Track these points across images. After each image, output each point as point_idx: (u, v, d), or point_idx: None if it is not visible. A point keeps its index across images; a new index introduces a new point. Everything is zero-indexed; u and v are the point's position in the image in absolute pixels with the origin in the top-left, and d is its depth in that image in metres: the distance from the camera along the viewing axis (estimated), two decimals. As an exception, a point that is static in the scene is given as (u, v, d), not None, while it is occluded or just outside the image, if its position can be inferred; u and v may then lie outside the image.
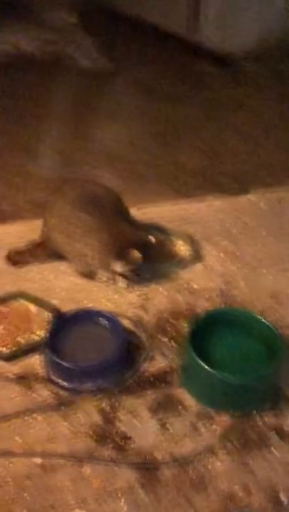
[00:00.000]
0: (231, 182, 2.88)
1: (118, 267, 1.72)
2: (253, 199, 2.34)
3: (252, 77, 4.15)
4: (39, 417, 1.40)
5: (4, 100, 3.63)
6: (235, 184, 2.73)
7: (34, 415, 1.41)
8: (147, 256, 1.72)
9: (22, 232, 1.99)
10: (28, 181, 2.83)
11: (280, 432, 1.41)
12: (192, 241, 2.01)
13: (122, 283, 1.77)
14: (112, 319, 1.59)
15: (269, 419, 1.44)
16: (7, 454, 1.31)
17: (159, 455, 1.34)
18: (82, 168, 3.00)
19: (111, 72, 4.13)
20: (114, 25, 4.88)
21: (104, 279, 1.80)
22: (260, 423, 1.43)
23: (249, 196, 2.36)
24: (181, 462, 1.33)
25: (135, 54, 4.45)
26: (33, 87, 3.84)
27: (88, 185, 1.88)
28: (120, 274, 1.76)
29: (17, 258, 1.85)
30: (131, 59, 4.41)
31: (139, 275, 1.77)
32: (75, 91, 3.81)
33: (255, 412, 1.45)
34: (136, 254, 1.67)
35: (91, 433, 1.38)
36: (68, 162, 3.06)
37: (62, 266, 1.85)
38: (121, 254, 1.68)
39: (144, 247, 1.72)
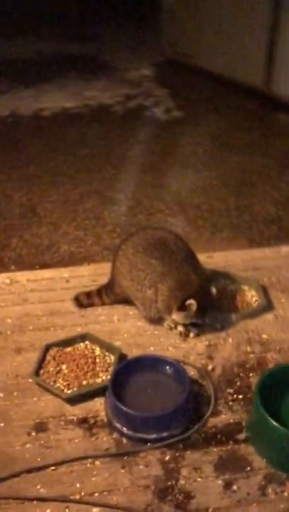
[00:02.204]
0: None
1: (178, 317, 1.70)
2: None
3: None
4: (100, 464, 1.37)
5: (85, 150, 3.84)
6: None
7: (95, 462, 1.38)
8: (208, 306, 1.69)
9: (93, 275, 2.03)
10: (103, 227, 2.92)
11: None
12: (263, 290, 1.94)
13: (180, 328, 1.74)
14: (177, 367, 1.55)
15: None
16: (66, 499, 1.28)
17: (222, 518, 1.25)
18: (156, 216, 3.06)
19: (185, 123, 4.25)
20: (190, 79, 5.07)
21: (172, 325, 1.77)
22: None
23: None
24: (247, 529, 1.23)
25: (210, 106, 4.57)
26: (112, 137, 4.04)
27: (158, 232, 1.90)
28: (184, 325, 1.73)
29: (85, 300, 1.87)
30: (206, 111, 4.53)
31: (198, 326, 1.73)
32: (150, 141, 3.95)
33: None
34: (192, 304, 1.65)
35: (152, 486, 1.32)
36: (142, 209, 3.13)
37: (129, 310, 1.85)
38: (184, 305, 1.67)
39: (206, 298, 1.69)
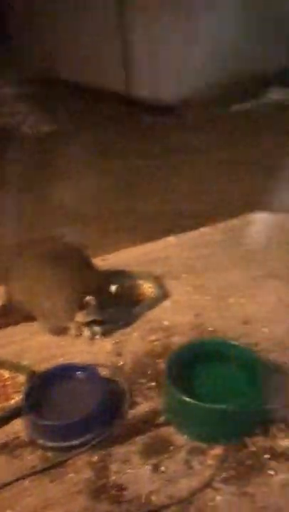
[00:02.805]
0: (189, 221, 2.96)
1: (80, 317, 1.73)
2: (209, 232, 2.41)
3: (193, 122, 4.37)
4: (29, 484, 1.35)
5: None
6: (193, 222, 2.81)
7: (24, 483, 1.35)
8: (108, 303, 1.74)
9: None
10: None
11: (274, 454, 1.39)
12: (158, 281, 2.04)
13: (86, 332, 1.77)
14: (88, 370, 1.57)
15: (261, 442, 1.42)
16: (-1, 529, 1.25)
17: (157, 499, 1.30)
18: (44, 230, 3.05)
19: (57, 137, 4.28)
20: (57, 93, 5.11)
21: (75, 332, 1.79)
22: (253, 448, 1.41)
23: (205, 230, 2.43)
24: (181, 502, 1.29)
25: (79, 116, 4.64)
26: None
27: (48, 243, 1.91)
28: (87, 324, 1.76)
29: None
30: (76, 122, 4.60)
31: (102, 325, 1.78)
32: (24, 159, 3.92)
33: (247, 438, 1.43)
34: (91, 300, 1.69)
35: (84, 490, 1.33)
36: (29, 226, 3.11)
37: (31, 327, 1.84)
38: (83, 305, 1.70)
39: (105, 295, 1.74)
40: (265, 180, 3.23)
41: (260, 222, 2.52)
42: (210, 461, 1.39)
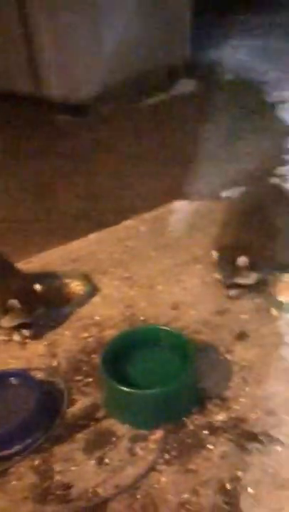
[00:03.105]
0: (111, 216, 2.98)
1: (5, 322, 1.70)
2: (133, 224, 2.44)
3: (106, 119, 4.38)
4: (-29, 499, 1.31)
5: None
6: (115, 217, 2.83)
7: None
8: (34, 304, 1.72)
9: None
10: None
11: (212, 429, 1.45)
12: (86, 277, 2.04)
13: (15, 337, 1.74)
14: (21, 375, 1.55)
15: (198, 420, 1.48)
16: None
17: (103, 491, 1.31)
18: None
19: None
20: None
21: (4, 338, 1.75)
22: (191, 427, 1.46)
23: (128, 223, 2.46)
24: (127, 490, 1.31)
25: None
26: None
27: None
28: (16, 329, 1.73)
29: None
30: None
31: (31, 327, 1.75)
32: None
33: (184, 418, 1.48)
34: (14, 303, 1.67)
35: (30, 495, 1.31)
36: None
37: None
38: (7, 309, 1.67)
39: (30, 296, 1.72)
40: (181, 170, 3.31)
41: (180, 210, 2.59)
42: (152, 446, 1.42)
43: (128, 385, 1.45)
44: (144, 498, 1.29)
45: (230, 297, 1.88)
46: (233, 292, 1.87)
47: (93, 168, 3.62)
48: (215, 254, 1.85)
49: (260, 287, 1.90)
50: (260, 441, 1.39)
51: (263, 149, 3.69)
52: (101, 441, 1.43)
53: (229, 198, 2.49)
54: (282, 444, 1.38)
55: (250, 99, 4.61)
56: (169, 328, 1.70)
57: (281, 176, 3.43)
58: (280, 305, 1.84)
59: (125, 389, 1.43)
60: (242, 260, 1.78)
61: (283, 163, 3.59)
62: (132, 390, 1.43)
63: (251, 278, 1.84)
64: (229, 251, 1.82)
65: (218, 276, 1.88)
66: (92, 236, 2.39)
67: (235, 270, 1.81)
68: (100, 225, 2.69)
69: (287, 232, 1.99)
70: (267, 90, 4.80)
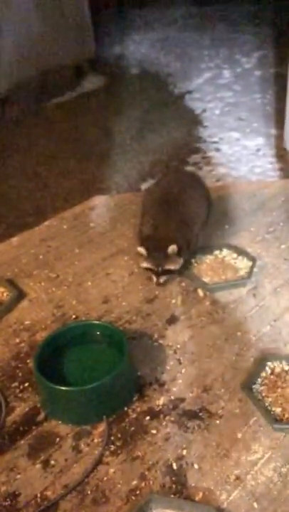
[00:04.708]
0: (32, 218, 2.93)
1: None
2: (55, 224, 2.41)
3: (15, 120, 4.28)
4: None
5: None
6: (36, 218, 2.79)
7: None
8: None
9: None
10: None
11: (153, 414, 1.47)
12: (10, 282, 1.99)
13: None
14: None
15: (140, 407, 1.50)
16: None
17: (52, 493, 1.30)
18: None
19: None
20: None
21: None
22: (133, 415, 1.48)
23: (49, 223, 2.42)
24: (76, 488, 1.30)
25: None
26: None
27: None
28: None
29: None
30: None
31: None
32: None
33: (125, 408, 1.49)
34: None
35: (-25, 512, 1.27)
36: None
37: None
38: None
39: None
40: (97, 166, 3.32)
41: (100, 205, 2.59)
42: (96, 440, 1.42)
43: (63, 384, 1.44)
44: (94, 493, 1.29)
45: (161, 284, 1.91)
46: (163, 278, 1.91)
47: (8, 172, 3.53)
48: (142, 249, 1.87)
49: (184, 271, 1.96)
50: (200, 418, 1.44)
51: (175, 139, 3.79)
52: (44, 444, 1.41)
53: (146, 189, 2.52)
54: (220, 417, 1.44)
55: (157, 91, 4.71)
56: (100, 322, 1.70)
57: (195, 164, 3.55)
58: (205, 286, 1.90)
59: (62, 388, 1.42)
60: (172, 248, 1.82)
61: (196, 151, 3.71)
62: (68, 388, 1.42)
63: (179, 263, 1.89)
64: (153, 241, 1.86)
65: (147, 265, 1.90)
66: (13, 240, 2.33)
67: (165, 257, 1.85)
68: (21, 228, 2.64)
69: (204, 217, 2.06)
70: (173, 81, 4.92)
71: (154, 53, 5.80)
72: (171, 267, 1.88)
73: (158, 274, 1.90)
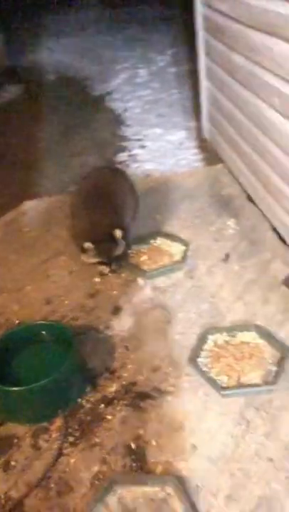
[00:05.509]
0: None
1: None
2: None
3: None
4: None
5: None
6: None
7: None
8: None
9: None
10: None
11: (106, 401, 1.51)
12: None
13: None
14: None
15: (93, 397, 1.53)
16: None
17: (16, 493, 1.30)
18: None
19: None
20: None
21: None
22: (88, 405, 1.51)
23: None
24: (40, 484, 1.32)
25: None
26: None
27: None
28: None
29: None
30: None
31: None
32: None
33: (79, 400, 1.52)
34: None
35: None
36: None
37: None
38: None
39: None
40: (26, 173, 3.29)
41: (31, 210, 2.60)
42: (54, 435, 1.44)
43: (14, 385, 1.45)
44: (58, 485, 1.31)
45: (114, 271, 1.97)
46: (115, 265, 1.95)
47: None
48: (88, 244, 1.90)
49: (122, 262, 2.01)
50: (153, 397, 1.50)
51: (100, 140, 3.83)
52: (3, 447, 1.42)
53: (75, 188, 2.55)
54: (171, 393, 1.50)
55: (76, 94, 4.73)
56: (44, 322, 1.72)
57: (122, 162, 3.61)
58: (144, 274, 1.96)
59: (13, 389, 1.43)
60: (118, 232, 1.89)
61: (122, 149, 3.77)
62: (19, 388, 1.43)
63: (121, 249, 1.95)
64: (95, 233, 1.90)
65: (98, 258, 1.94)
66: None
67: (113, 244, 1.90)
68: None
69: (133, 206, 2.13)
70: (90, 84, 4.97)
71: (69, 58, 5.82)
72: (121, 251, 1.94)
73: (110, 262, 1.94)
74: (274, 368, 1.51)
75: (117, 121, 4.21)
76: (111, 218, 1.94)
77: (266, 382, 1.47)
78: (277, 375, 1.47)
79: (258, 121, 2.04)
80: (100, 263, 1.96)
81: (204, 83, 2.94)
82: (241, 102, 2.24)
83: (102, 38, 6.31)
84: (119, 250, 1.93)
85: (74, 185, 3.22)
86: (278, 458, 1.30)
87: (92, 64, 5.56)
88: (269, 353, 1.56)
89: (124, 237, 1.93)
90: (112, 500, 1.25)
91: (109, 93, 4.77)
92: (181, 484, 1.25)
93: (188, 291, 1.89)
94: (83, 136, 3.88)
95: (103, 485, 1.28)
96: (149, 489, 1.26)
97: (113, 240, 1.90)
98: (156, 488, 1.26)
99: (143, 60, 5.53)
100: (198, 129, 3.47)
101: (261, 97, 1.97)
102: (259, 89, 1.98)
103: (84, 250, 1.92)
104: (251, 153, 2.19)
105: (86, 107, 4.46)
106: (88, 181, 2.18)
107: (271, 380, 1.47)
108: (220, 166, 2.77)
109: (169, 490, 1.25)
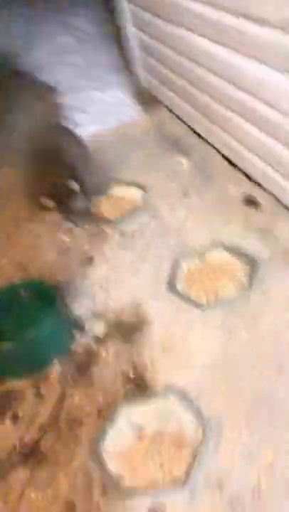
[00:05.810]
0: None
1: None
2: None
3: None
4: None
5: None
6: None
7: None
8: None
9: None
10: None
11: (97, 341, 1.57)
12: None
13: None
14: None
15: (84, 340, 1.58)
16: None
17: (29, 440, 1.36)
18: None
19: None
20: None
21: None
22: (80, 349, 1.56)
23: None
24: (50, 426, 1.38)
25: None
26: None
27: None
28: None
29: None
30: None
31: None
32: None
33: (71, 347, 1.57)
34: None
35: None
36: None
37: None
38: None
39: None
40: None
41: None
42: (55, 382, 1.49)
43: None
44: (67, 423, 1.38)
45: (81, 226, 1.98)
46: (80, 222, 1.98)
47: None
48: (46, 200, 1.91)
49: (85, 216, 2.05)
50: (140, 329, 1.57)
51: (39, 116, 3.77)
52: (8, 401, 1.46)
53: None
54: (156, 321, 1.58)
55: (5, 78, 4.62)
56: (24, 281, 1.74)
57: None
58: (109, 222, 2.01)
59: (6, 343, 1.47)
60: (75, 184, 1.93)
61: (64, 119, 3.73)
62: (12, 342, 1.47)
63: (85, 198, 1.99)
64: (51, 190, 1.92)
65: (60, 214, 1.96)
66: None
67: (72, 197, 1.94)
68: None
69: (86, 161, 2.16)
70: (14, 61, 4.84)
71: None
72: (82, 203, 1.97)
73: (74, 217, 1.97)
74: (246, 279, 1.60)
75: (52, 92, 4.14)
76: (64, 173, 1.96)
77: (241, 291, 1.56)
78: (249, 283, 1.57)
79: (189, 52, 2.07)
80: (66, 219, 1.99)
81: (132, 30, 2.94)
82: (169, 38, 2.26)
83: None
84: (79, 201, 1.96)
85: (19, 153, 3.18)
86: (265, 354, 1.40)
87: (16, 39, 5.39)
88: (239, 266, 1.65)
89: (81, 189, 1.96)
90: (122, 421, 1.33)
91: (38, 68, 4.67)
92: (183, 395, 1.34)
93: (154, 230, 1.95)
94: (21, 118, 3.81)
95: (111, 411, 1.35)
96: (154, 406, 1.35)
97: (70, 189, 1.92)
98: (161, 403, 1.35)
99: (67, 28, 5.40)
100: (135, 83, 3.48)
101: (186, 26, 2.00)
102: (182, 19, 2.01)
103: (44, 207, 1.95)
104: (188, 87, 2.23)
105: (17, 89, 4.36)
106: (35, 141, 2.19)
107: (246, 288, 1.56)
108: (163, 110, 2.80)
109: (173, 402, 1.34)
